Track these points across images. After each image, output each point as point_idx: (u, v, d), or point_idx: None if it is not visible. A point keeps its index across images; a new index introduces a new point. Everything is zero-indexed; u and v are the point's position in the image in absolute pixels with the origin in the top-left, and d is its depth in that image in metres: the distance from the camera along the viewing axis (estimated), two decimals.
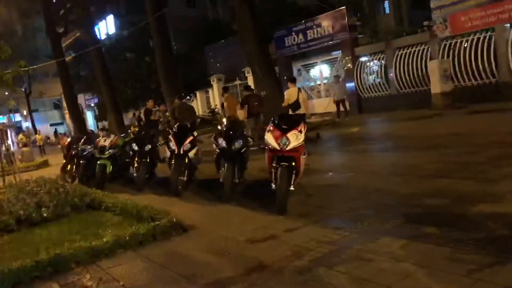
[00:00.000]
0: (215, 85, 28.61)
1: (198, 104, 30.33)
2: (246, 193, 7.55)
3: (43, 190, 8.35)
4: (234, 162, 7.05)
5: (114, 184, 10.69)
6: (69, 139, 13.31)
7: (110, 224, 6.73)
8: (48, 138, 48.06)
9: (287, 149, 5.78)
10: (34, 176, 14.32)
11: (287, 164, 5.80)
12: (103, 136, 10.89)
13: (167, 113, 14.88)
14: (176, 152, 8.04)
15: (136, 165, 9.46)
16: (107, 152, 10.34)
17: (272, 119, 6.32)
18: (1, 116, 57.62)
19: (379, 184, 6.82)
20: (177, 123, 9.00)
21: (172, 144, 8.11)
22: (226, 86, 17.38)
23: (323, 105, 22.07)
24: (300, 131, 5.95)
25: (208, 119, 24.99)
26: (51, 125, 59.55)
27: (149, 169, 9.68)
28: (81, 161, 11.24)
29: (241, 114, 13.11)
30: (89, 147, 11.21)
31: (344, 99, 17.72)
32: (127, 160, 10.75)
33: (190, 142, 8.19)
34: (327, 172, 8.33)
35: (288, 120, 6.18)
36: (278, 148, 5.80)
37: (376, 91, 19.49)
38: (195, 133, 8.73)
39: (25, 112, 57.79)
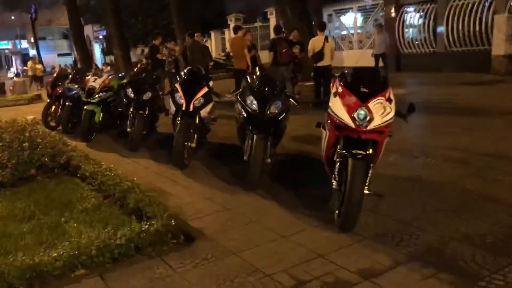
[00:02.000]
0: (232, 25, 25.79)
1: (212, 46, 27.64)
2: (281, 177, 5.34)
3: (4, 139, 6.26)
4: (268, 134, 4.79)
5: (105, 135, 8.52)
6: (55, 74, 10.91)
7: (80, 210, 4.59)
8: (53, 68, 45.54)
9: (367, 128, 3.49)
10: (21, 112, 12.26)
11: (363, 153, 3.53)
12: (93, 75, 8.56)
13: (177, 53, 12.42)
14: (183, 108, 5.75)
15: (130, 117, 7.19)
16: (97, 95, 8.04)
17: (341, 74, 3.97)
18: (6, 42, 55.04)
19: (482, 184, 4.57)
20: (187, 67, 6.61)
21: (179, 97, 5.81)
22: (237, 25, 14.67)
23: (354, 58, 19.42)
24: (389, 99, 3.63)
25: (222, 63, 22.44)
26: (58, 55, 56.99)
27: (148, 124, 7.42)
28: (66, 103, 9.00)
29: (241, 62, 10.80)
30: (77, 86, 8.92)
31: (384, 53, 15.11)
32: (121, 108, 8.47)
33: (203, 96, 5.89)
34: (387, 154, 6.04)
35: (367, 78, 3.83)
36: (353, 125, 3.51)
37: (419, 47, 16.90)
38: (211, 83, 6.39)
39: (32, 39, 55.01)
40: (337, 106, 3.66)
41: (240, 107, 4.98)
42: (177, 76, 11.70)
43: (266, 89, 4.87)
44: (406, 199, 4.36)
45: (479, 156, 5.53)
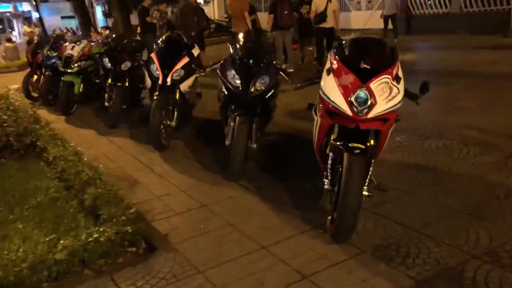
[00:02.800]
0: None
1: (214, 7, 26.45)
2: (270, 165, 4.62)
3: None
4: (253, 116, 4.05)
5: (87, 108, 7.80)
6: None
7: (34, 204, 3.93)
8: (54, 31, 44.38)
9: (367, 116, 2.74)
10: (8, 81, 11.58)
11: (362, 147, 2.78)
12: (70, 42, 7.75)
13: (169, 14, 11.47)
14: (160, 82, 5.00)
15: (108, 90, 6.46)
16: (76, 65, 7.27)
17: (337, 43, 3.17)
18: (6, 4, 53.61)
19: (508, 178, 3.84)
20: (169, 34, 5.78)
21: (155, 69, 5.04)
22: None
23: (362, 19, 18.35)
24: (397, 78, 2.85)
25: (224, 25, 21.36)
26: (62, 17, 55.61)
27: (128, 97, 6.65)
28: (46, 73, 8.24)
29: (242, 25, 9.83)
30: (56, 54, 8.13)
31: (395, 14, 14.04)
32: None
33: (184, 67, 5.12)
34: (394, 132, 5.27)
35: (370, 50, 3.03)
36: (349, 112, 2.75)
37: (432, 8, 15.84)
38: (196, 51, 5.59)
39: (33, 1, 53.46)
40: (330, 87, 2.89)
41: (221, 82, 4.21)
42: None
43: (251, 61, 4.08)
44: (414, 196, 3.63)
45: (504, 138, 4.74)
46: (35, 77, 9.02)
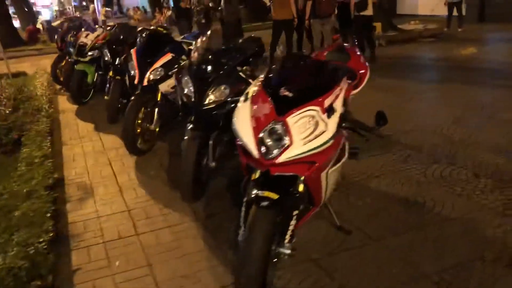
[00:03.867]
0: None
1: None
2: (232, 188, 3.97)
3: None
4: (210, 130, 3.48)
5: (102, 98, 7.56)
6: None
7: None
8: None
9: (277, 161, 2.10)
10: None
11: (274, 198, 2.14)
12: (85, 29, 7.52)
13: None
14: (136, 81, 4.56)
15: (108, 83, 6.14)
16: (89, 54, 7.03)
17: (269, 66, 2.51)
18: None
19: None
20: (153, 29, 5.27)
21: (132, 66, 4.60)
22: None
23: (430, 5, 16.75)
24: (329, 110, 2.17)
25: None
26: None
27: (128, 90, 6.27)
28: (68, 59, 8.12)
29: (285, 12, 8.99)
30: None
31: (461, 0, 12.56)
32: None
33: (165, 66, 4.62)
34: (397, 145, 4.45)
35: (302, 71, 2.34)
36: (256, 153, 2.13)
37: None
38: (190, 47, 5.04)
39: None
40: (242, 117, 2.27)
41: (178, 91, 3.66)
42: (206, 28, 10.52)
43: (209, 67, 3.49)
44: (381, 245, 2.89)
45: None
46: (64, 62, 8.97)
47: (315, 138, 2.11)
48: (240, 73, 3.52)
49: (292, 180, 2.23)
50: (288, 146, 2.08)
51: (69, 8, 49.29)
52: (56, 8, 51.10)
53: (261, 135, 2.12)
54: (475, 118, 5.23)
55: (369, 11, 8.76)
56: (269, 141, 2.11)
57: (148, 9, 33.52)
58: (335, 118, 2.18)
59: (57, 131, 6.02)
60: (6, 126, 5.47)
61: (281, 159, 2.08)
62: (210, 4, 10.68)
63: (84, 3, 51.29)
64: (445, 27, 12.73)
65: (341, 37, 10.17)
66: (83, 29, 7.59)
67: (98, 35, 7.23)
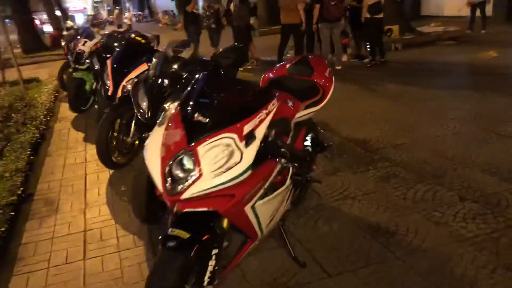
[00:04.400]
0: None
1: None
2: None
3: None
4: None
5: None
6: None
7: None
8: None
9: (182, 197, 1.86)
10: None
11: (185, 237, 1.89)
12: (85, 37, 7.44)
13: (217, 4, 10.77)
14: (109, 93, 4.40)
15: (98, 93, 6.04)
16: (87, 61, 6.93)
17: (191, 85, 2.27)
18: None
19: None
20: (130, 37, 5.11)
21: (106, 77, 4.45)
22: None
23: (457, 5, 16.11)
24: (249, 137, 1.91)
25: None
26: None
27: None
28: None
29: (293, 16, 8.79)
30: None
31: (484, 1, 11.94)
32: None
33: (140, 76, 4.42)
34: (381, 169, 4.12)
35: (216, 91, 2.08)
36: (160, 187, 1.90)
37: None
38: (173, 53, 4.86)
39: None
40: (152, 144, 2.04)
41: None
42: (217, 33, 10.33)
43: (166, 81, 3.28)
44: (333, 283, 2.62)
45: None
46: (70, 69, 8.96)
47: (227, 170, 1.86)
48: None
49: (214, 216, 1.98)
50: (196, 179, 1.84)
51: (101, 13, 50.36)
52: (90, 13, 52.22)
53: (167, 167, 1.88)
54: (479, 131, 4.83)
55: (381, 14, 8.47)
56: (177, 173, 1.87)
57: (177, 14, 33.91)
58: (254, 146, 1.92)
59: (47, 141, 5.95)
60: None
61: (186, 195, 1.84)
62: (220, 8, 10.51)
63: (117, 8, 52.32)
64: (467, 29, 12.16)
65: (352, 40, 9.86)
66: (78, 37, 7.52)
67: (96, 43, 7.14)
